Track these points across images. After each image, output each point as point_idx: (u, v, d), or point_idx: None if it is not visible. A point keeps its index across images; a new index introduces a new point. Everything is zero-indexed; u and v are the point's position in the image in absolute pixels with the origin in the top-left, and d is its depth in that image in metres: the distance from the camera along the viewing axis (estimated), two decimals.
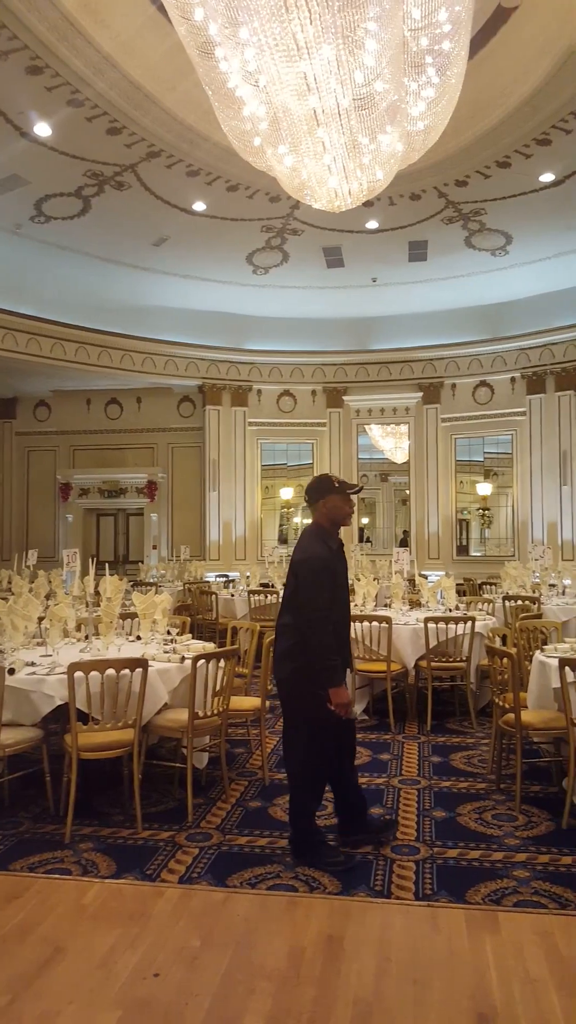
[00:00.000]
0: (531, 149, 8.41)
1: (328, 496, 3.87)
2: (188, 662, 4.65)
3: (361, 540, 15.21)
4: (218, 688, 4.68)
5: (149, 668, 4.38)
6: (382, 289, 12.69)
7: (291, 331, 13.82)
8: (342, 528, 3.96)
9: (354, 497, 4.01)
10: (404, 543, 14.40)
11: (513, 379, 13.37)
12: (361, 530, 15.71)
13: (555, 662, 4.36)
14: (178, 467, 14.92)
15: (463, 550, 14.11)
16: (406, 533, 14.68)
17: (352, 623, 6.46)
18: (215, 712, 4.67)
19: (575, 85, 7.28)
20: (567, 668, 4.15)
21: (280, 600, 4.74)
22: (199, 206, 9.83)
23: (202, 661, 4.56)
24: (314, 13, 4.20)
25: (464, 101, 7.25)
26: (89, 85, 7.10)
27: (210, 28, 4.71)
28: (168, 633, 5.78)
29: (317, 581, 3.72)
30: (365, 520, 16.57)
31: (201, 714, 4.54)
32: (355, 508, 4.12)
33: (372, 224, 10.34)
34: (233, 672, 4.90)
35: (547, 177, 9.04)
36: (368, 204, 9.68)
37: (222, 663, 4.69)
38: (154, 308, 13.16)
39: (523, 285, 12.20)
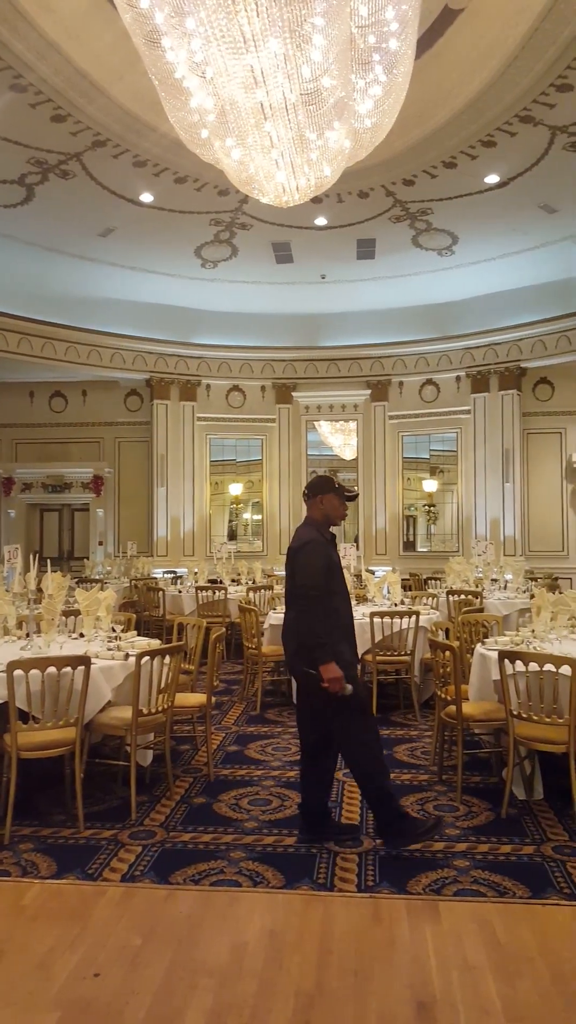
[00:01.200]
0: (476, 150, 8.54)
1: (327, 494, 4.06)
2: (132, 659, 4.60)
3: None
4: (163, 685, 4.64)
5: (92, 666, 4.32)
6: (331, 286, 12.74)
7: (240, 326, 13.76)
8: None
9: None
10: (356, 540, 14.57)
11: (458, 378, 13.58)
12: None
13: (495, 655, 4.45)
14: (125, 462, 14.73)
15: (410, 546, 14.30)
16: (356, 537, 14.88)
17: None
18: (160, 709, 4.63)
19: (519, 89, 7.41)
20: (506, 660, 4.24)
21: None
22: (146, 197, 9.70)
23: (146, 658, 4.51)
24: (261, 6, 4.18)
25: (411, 100, 7.32)
26: (33, 70, 6.93)
27: (156, 16, 4.64)
28: (113, 630, 5.71)
29: (314, 562, 3.85)
30: None
31: (145, 711, 4.50)
32: (347, 512, 4.27)
33: (321, 221, 10.37)
34: (179, 669, 4.87)
35: (492, 179, 9.20)
36: (317, 201, 9.71)
37: (167, 660, 4.65)
38: (100, 299, 12.94)
39: (468, 285, 12.40)
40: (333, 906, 3.34)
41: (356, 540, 14.44)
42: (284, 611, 4.20)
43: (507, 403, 13.06)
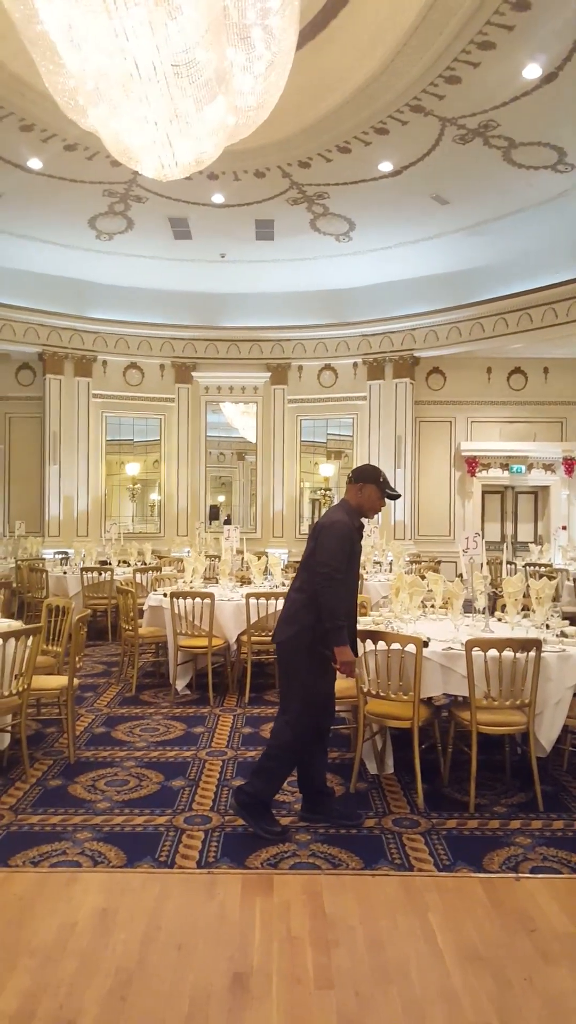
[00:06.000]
0: (370, 137, 8.61)
1: (370, 484, 4.01)
2: None
3: (215, 519, 15.23)
4: (24, 667, 4.54)
5: None
6: (231, 266, 12.62)
7: (138, 301, 13.48)
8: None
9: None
10: (228, 521, 14.65)
11: (355, 364, 13.76)
12: (215, 508, 15.72)
13: None
14: (16, 438, 14.20)
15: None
16: (229, 516, 15.01)
17: (175, 599, 6.49)
18: (15, 692, 4.52)
19: (409, 77, 7.48)
20: (369, 640, 4.34)
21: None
22: (35, 163, 9.33)
23: None
24: None
25: (305, 82, 7.34)
26: None
27: None
28: None
29: (338, 544, 3.82)
30: (221, 498, 16.58)
31: None
32: (383, 507, 4.22)
33: (218, 198, 10.24)
34: (38, 651, 4.76)
35: (386, 166, 9.30)
36: (213, 177, 9.60)
37: (28, 641, 4.55)
38: None
39: (365, 273, 12.54)
40: (170, 883, 3.37)
41: (229, 521, 14.61)
42: (289, 589, 4.09)
43: (401, 391, 13.34)
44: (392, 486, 4.10)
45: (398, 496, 4.17)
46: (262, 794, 3.85)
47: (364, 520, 4.13)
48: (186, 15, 4.52)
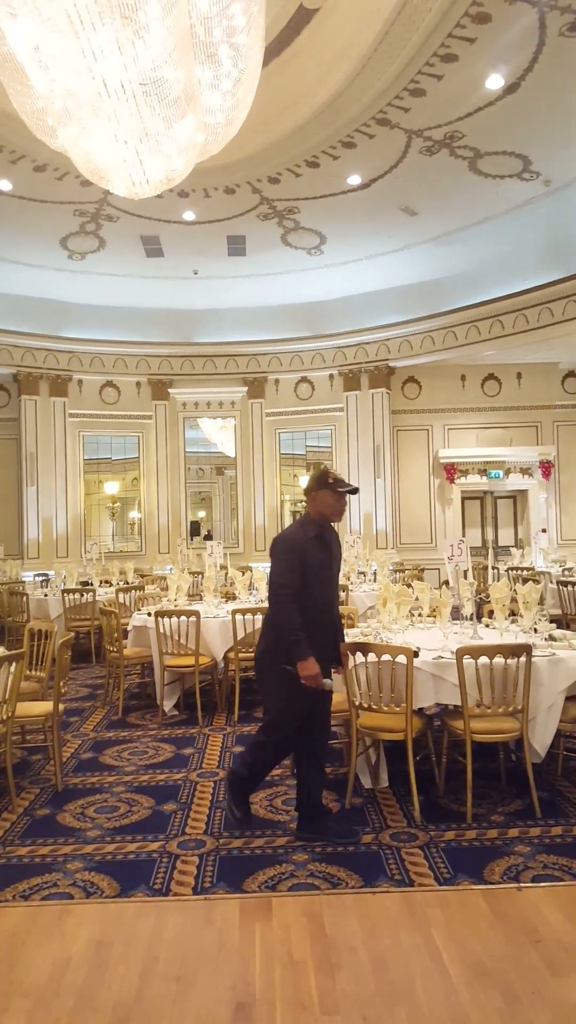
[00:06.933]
0: (338, 151, 8.68)
1: (320, 490, 3.94)
2: None
3: (196, 535, 15.16)
4: (6, 695, 4.44)
5: None
6: (204, 282, 12.64)
7: (113, 320, 13.44)
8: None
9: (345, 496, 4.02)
10: (209, 537, 14.59)
11: (332, 376, 13.81)
12: (195, 523, 15.64)
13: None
14: None
15: None
16: (210, 532, 14.95)
17: (160, 619, 6.41)
18: None
19: (374, 91, 7.56)
20: (358, 652, 4.30)
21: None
22: (4, 185, 9.30)
23: None
24: None
25: (272, 98, 7.37)
26: None
27: None
28: None
29: (284, 559, 3.83)
30: (202, 514, 16.50)
31: None
32: (346, 506, 4.12)
33: (189, 215, 10.26)
34: (21, 677, 4.67)
35: (354, 180, 9.37)
36: (183, 195, 9.61)
37: (11, 667, 4.45)
38: None
39: (338, 285, 12.62)
40: (166, 912, 3.29)
41: (210, 536, 14.53)
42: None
43: (377, 401, 13.39)
44: (346, 482, 4.03)
45: (354, 490, 4.07)
46: (243, 779, 3.99)
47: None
48: (153, 34, 4.51)
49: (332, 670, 4.09)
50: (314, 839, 3.88)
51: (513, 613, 5.51)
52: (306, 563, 3.85)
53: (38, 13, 4.20)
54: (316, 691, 3.77)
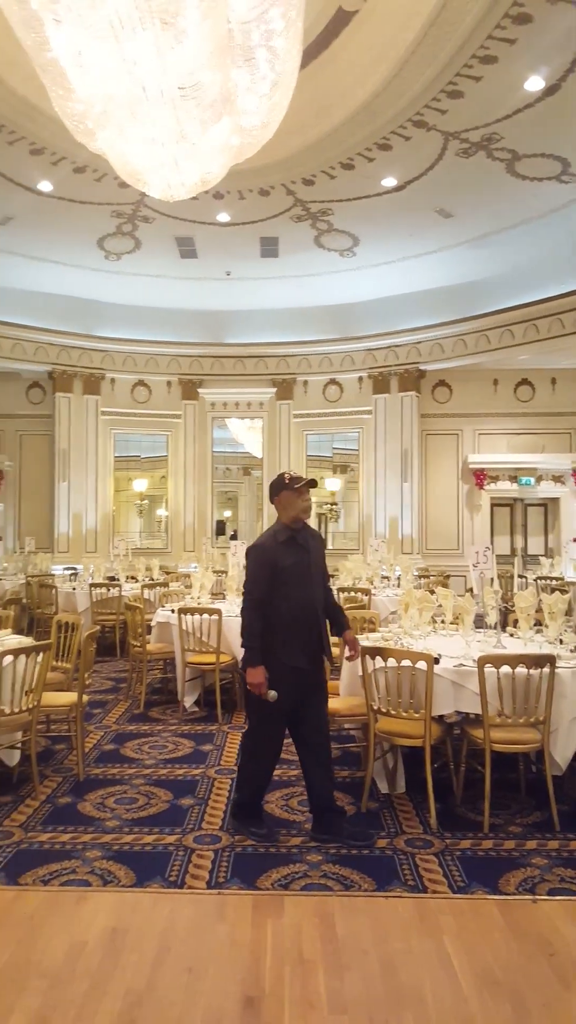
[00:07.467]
0: (373, 153, 8.67)
1: (280, 493, 4.03)
2: None
3: (221, 534, 15.25)
4: (33, 684, 4.53)
5: None
6: (236, 283, 12.70)
7: (145, 320, 13.56)
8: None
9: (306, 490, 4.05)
10: (235, 536, 14.65)
11: (360, 378, 13.78)
12: (221, 523, 15.74)
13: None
14: (27, 455, 14.25)
15: None
16: (235, 531, 15.02)
17: (183, 616, 6.48)
18: (24, 709, 4.51)
19: (411, 93, 7.53)
20: (367, 656, 4.31)
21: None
22: (45, 186, 9.44)
23: (9, 657, 4.39)
24: None
25: (308, 100, 7.39)
26: None
27: (32, 2, 4.51)
28: None
29: (252, 568, 3.95)
30: (228, 514, 16.60)
31: (7, 711, 4.38)
32: (311, 502, 4.14)
33: (223, 217, 10.32)
34: (47, 667, 4.76)
35: (389, 182, 9.35)
36: (218, 196, 9.67)
37: (39, 657, 4.54)
38: (0, 289, 12.51)
39: (370, 287, 12.58)
40: (180, 904, 3.33)
41: (235, 536, 14.62)
42: None
43: (407, 404, 13.33)
44: (301, 477, 4.06)
45: (312, 482, 4.09)
46: (242, 800, 4.06)
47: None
48: (192, 38, 4.56)
49: (345, 658, 4.32)
50: (329, 840, 3.90)
51: (539, 623, 5.46)
52: (278, 567, 3.91)
53: (81, 20, 4.28)
54: (297, 693, 3.88)
